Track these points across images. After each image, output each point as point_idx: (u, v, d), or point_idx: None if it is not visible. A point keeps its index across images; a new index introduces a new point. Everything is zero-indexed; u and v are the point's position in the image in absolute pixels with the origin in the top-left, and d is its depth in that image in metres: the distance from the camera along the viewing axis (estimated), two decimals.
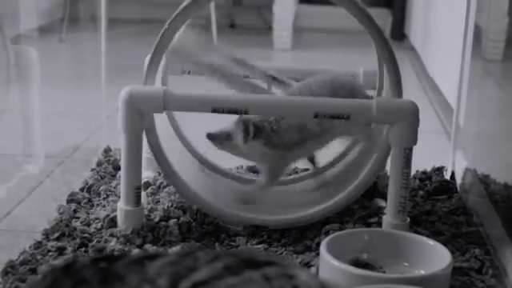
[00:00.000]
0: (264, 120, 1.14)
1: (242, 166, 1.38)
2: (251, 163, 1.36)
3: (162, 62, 1.13)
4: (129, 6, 3.31)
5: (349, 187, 1.13)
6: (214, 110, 1.06)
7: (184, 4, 1.08)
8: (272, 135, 1.14)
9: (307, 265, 1.02)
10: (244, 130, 1.14)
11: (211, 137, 1.16)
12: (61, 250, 1.04)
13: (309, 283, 0.54)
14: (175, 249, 1.04)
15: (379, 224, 1.12)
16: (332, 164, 1.29)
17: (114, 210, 1.12)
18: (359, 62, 1.34)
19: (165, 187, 1.24)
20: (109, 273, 0.55)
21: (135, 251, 1.01)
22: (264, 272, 0.55)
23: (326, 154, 1.25)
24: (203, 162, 1.28)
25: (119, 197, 1.12)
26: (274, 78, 1.21)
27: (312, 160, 1.26)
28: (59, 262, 0.88)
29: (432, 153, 1.52)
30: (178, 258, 0.57)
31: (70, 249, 1.04)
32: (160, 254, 0.59)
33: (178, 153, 1.22)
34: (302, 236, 1.11)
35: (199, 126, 1.16)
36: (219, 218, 1.13)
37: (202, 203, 1.13)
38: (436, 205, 1.23)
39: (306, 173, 1.31)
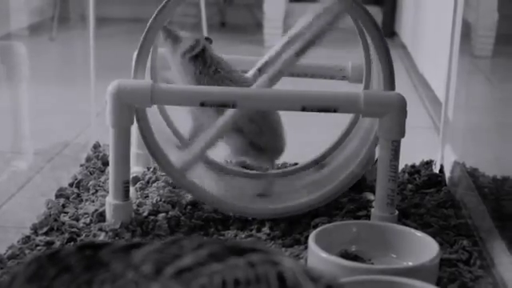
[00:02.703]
0: (217, 59, 1.15)
1: (230, 161, 1.37)
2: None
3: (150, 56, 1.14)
4: (119, 4, 3.30)
5: (339, 178, 1.13)
6: (202, 104, 1.06)
7: None
8: (208, 71, 1.14)
9: (296, 258, 1.02)
10: (192, 45, 1.14)
11: (165, 30, 1.15)
12: (49, 245, 1.04)
13: (293, 269, 0.54)
14: None
15: (368, 217, 1.12)
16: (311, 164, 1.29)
17: (103, 205, 1.12)
18: (347, 57, 1.34)
19: (153, 182, 1.24)
20: (93, 260, 0.55)
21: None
22: (248, 259, 0.55)
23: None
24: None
25: (108, 192, 1.12)
26: (261, 69, 1.21)
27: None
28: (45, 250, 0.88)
29: (421, 147, 1.52)
30: (163, 246, 0.57)
31: (58, 243, 1.04)
32: (145, 242, 0.59)
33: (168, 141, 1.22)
34: (291, 229, 1.11)
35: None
36: (215, 207, 1.14)
37: (198, 192, 1.13)
38: (425, 198, 1.24)
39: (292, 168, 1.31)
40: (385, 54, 1.09)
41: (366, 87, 1.25)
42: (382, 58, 1.09)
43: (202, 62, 1.14)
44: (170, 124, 1.26)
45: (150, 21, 1.09)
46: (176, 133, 1.26)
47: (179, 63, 1.15)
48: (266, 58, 1.21)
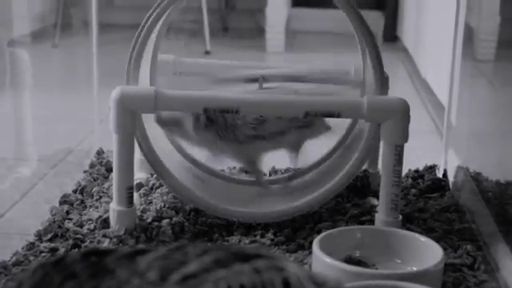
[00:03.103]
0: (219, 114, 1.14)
1: (234, 167, 1.38)
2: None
3: (150, 62, 1.15)
4: (121, 11, 3.31)
5: (334, 179, 1.13)
6: (205, 110, 1.06)
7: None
8: (225, 128, 1.14)
9: (300, 263, 1.02)
10: (194, 118, 1.13)
11: (160, 121, 1.15)
12: (53, 251, 1.04)
13: (298, 275, 0.54)
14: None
15: (372, 222, 1.12)
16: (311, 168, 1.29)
17: (107, 211, 1.12)
18: (350, 62, 1.35)
19: (157, 188, 1.24)
20: (99, 267, 0.55)
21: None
22: (254, 265, 0.55)
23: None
24: (196, 164, 1.28)
25: (112, 198, 1.12)
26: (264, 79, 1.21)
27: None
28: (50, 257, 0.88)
29: (424, 152, 1.52)
30: (168, 253, 0.57)
31: (62, 250, 1.04)
32: (150, 249, 0.59)
33: (169, 154, 1.22)
34: (295, 235, 1.11)
35: None
36: (214, 214, 1.14)
37: (196, 200, 1.13)
38: (428, 202, 1.24)
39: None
40: (375, 57, 1.09)
41: (363, 92, 1.25)
42: (373, 61, 1.09)
43: (214, 125, 1.14)
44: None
45: (140, 27, 1.09)
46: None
47: (197, 140, 1.16)
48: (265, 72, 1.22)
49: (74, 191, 1.26)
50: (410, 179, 1.34)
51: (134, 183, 1.14)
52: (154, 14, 1.09)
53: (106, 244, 1.06)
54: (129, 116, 1.06)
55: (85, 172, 1.35)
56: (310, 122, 1.17)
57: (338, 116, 1.06)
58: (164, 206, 1.16)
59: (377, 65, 1.09)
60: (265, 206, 1.16)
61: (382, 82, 1.10)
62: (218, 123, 1.13)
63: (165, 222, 1.12)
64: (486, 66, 1.88)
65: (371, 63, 1.10)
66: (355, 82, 1.30)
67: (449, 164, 1.40)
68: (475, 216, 1.19)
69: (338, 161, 1.22)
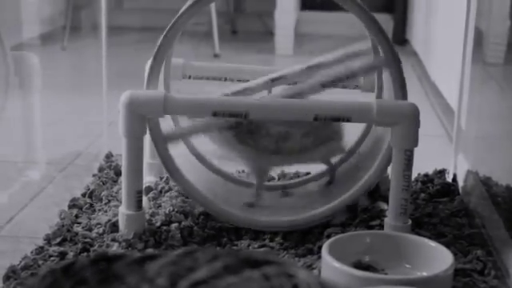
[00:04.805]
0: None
1: (243, 171, 1.38)
2: None
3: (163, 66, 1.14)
4: (130, 13, 3.32)
5: (353, 188, 1.13)
6: (215, 114, 1.06)
7: (185, 6, 1.09)
8: (247, 133, 1.15)
9: (309, 268, 1.02)
10: None
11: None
12: (62, 255, 1.04)
13: (308, 281, 0.54)
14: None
15: (381, 227, 1.12)
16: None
17: (116, 215, 1.12)
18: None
19: (166, 192, 1.24)
20: (108, 273, 0.55)
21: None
22: (263, 271, 0.55)
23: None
24: (207, 165, 1.29)
25: (121, 202, 1.12)
26: (274, 80, 1.21)
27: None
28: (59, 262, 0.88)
29: (434, 156, 1.51)
30: (178, 258, 0.57)
31: (71, 254, 1.04)
32: (160, 254, 0.59)
33: (182, 156, 1.22)
34: (304, 239, 1.11)
35: None
36: (224, 219, 1.13)
37: (207, 203, 1.13)
38: (438, 207, 1.23)
39: (307, 177, 1.31)
40: (396, 67, 1.09)
41: (378, 96, 1.25)
42: (394, 70, 1.09)
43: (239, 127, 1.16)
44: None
45: (164, 33, 1.09)
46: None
47: (218, 138, 1.18)
48: (283, 72, 1.22)
49: (83, 195, 1.26)
50: (419, 183, 1.34)
51: (143, 187, 1.14)
52: (177, 21, 1.09)
53: (114, 248, 1.06)
54: (138, 120, 1.06)
55: (94, 176, 1.35)
56: (327, 137, 1.18)
57: (348, 120, 1.06)
58: (173, 210, 1.16)
59: (397, 73, 1.09)
60: (280, 214, 1.15)
61: (403, 91, 1.09)
62: (241, 126, 1.14)
63: (174, 226, 1.12)
64: (495, 70, 1.87)
65: (391, 73, 1.09)
66: (365, 87, 1.30)
67: (458, 168, 1.40)
68: (485, 221, 1.19)
69: (355, 170, 1.22)
